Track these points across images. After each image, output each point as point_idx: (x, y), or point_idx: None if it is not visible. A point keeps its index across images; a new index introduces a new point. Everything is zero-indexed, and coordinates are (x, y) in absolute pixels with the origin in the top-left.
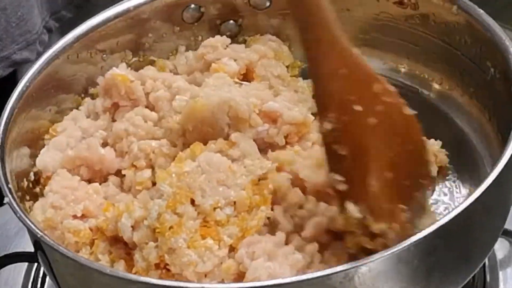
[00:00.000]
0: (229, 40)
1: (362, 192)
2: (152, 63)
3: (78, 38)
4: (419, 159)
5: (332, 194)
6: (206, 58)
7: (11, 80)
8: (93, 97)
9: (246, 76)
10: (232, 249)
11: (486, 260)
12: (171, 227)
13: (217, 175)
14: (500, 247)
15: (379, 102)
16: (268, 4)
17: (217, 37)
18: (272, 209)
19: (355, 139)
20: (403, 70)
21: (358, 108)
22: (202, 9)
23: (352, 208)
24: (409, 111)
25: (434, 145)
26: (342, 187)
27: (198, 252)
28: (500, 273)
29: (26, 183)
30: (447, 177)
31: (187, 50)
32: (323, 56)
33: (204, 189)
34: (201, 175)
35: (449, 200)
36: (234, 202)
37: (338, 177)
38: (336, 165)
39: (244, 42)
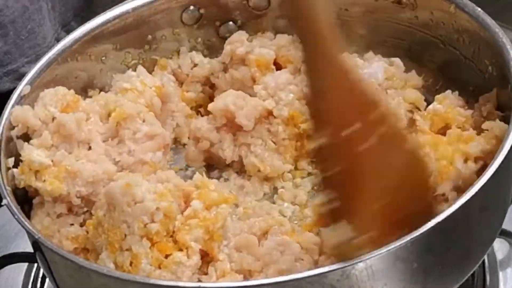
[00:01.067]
0: (247, 35)
1: (352, 212)
2: (153, 63)
3: (76, 41)
4: (419, 198)
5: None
6: (237, 52)
7: None
8: None
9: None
10: (206, 254)
11: (486, 261)
12: (131, 263)
13: None
14: (500, 248)
15: (375, 127)
16: (267, 5)
17: (239, 32)
18: None
19: (349, 157)
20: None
21: (357, 125)
22: (202, 11)
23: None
24: (411, 146)
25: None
26: (336, 204)
27: (170, 269)
28: (500, 274)
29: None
30: None
31: (190, 51)
32: (321, 70)
33: None
34: None
35: None
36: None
37: (331, 194)
38: (329, 184)
39: None
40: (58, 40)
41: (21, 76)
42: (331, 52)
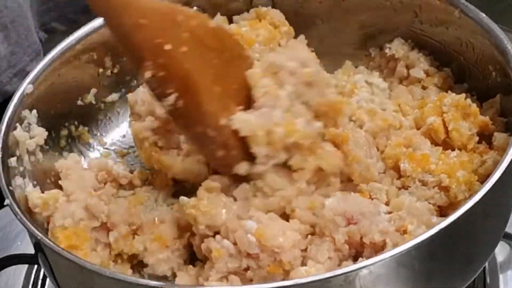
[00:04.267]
0: None
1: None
2: None
3: (79, 40)
4: (238, 58)
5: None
6: None
7: None
8: None
9: None
10: None
11: (487, 263)
12: None
13: None
14: (500, 250)
15: (185, 29)
16: (270, 7)
17: None
18: None
19: (178, 73)
20: None
21: (168, 47)
22: (204, 11)
23: None
24: (214, 23)
25: None
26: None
27: None
28: (501, 276)
29: None
30: None
31: None
32: (122, 11)
33: None
34: None
35: None
36: None
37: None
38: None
39: None
40: (39, 38)
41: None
42: None
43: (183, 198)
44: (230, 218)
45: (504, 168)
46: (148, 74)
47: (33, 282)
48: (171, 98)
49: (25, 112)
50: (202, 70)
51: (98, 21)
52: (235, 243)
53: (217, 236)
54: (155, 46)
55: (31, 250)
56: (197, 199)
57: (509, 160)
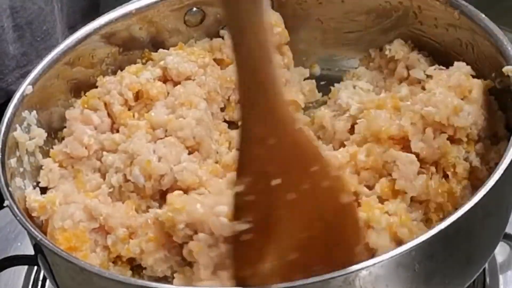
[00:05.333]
0: None
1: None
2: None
3: (79, 42)
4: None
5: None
6: None
7: None
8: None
9: None
10: None
11: (486, 264)
12: None
13: None
14: (500, 251)
15: (309, 181)
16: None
17: None
18: None
19: (263, 210)
20: None
21: (277, 181)
22: (205, 12)
23: None
24: (347, 199)
25: None
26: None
27: None
28: (500, 277)
29: None
30: None
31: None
32: (257, 119)
33: None
34: None
35: None
36: None
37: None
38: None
39: None
40: None
41: None
42: (276, 103)
43: (156, 211)
44: (206, 211)
45: (504, 168)
46: (239, 187)
47: (33, 283)
48: (245, 225)
49: (25, 113)
50: (291, 228)
51: (98, 22)
52: (211, 233)
53: (195, 235)
54: (263, 172)
55: (31, 251)
56: (169, 204)
57: (509, 160)
